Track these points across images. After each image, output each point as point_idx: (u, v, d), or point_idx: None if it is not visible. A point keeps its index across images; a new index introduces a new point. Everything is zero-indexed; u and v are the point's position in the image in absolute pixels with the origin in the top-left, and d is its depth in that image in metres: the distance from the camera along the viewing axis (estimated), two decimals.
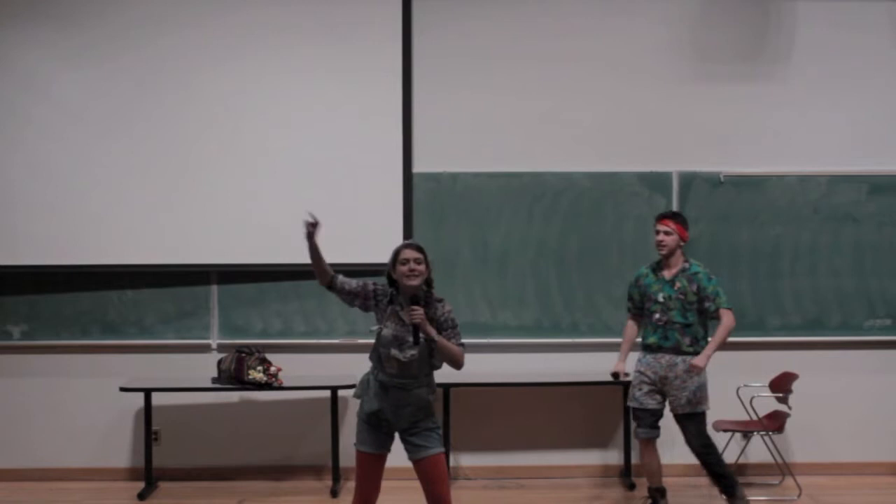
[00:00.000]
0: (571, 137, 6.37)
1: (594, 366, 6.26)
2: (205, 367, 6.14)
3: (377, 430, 4.09)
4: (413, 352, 4.03)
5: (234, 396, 6.29)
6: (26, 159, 6.21)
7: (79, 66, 6.22)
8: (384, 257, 6.22)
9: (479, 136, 6.35)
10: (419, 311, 3.98)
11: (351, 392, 6.12)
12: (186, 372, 6.21)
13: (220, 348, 6.27)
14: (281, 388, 5.92)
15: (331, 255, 6.20)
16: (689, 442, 5.24)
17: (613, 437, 6.38)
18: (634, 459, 6.24)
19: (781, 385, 5.93)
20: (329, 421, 6.07)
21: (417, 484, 6.14)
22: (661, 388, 5.23)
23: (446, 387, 6.10)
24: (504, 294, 6.34)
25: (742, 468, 6.20)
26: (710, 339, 5.19)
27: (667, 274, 5.29)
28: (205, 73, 6.25)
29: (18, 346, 6.28)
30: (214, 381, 5.99)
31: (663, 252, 5.28)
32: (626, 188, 6.35)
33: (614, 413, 6.34)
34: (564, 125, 6.37)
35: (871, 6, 6.41)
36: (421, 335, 4.01)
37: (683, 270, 5.26)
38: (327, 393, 6.03)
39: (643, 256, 6.30)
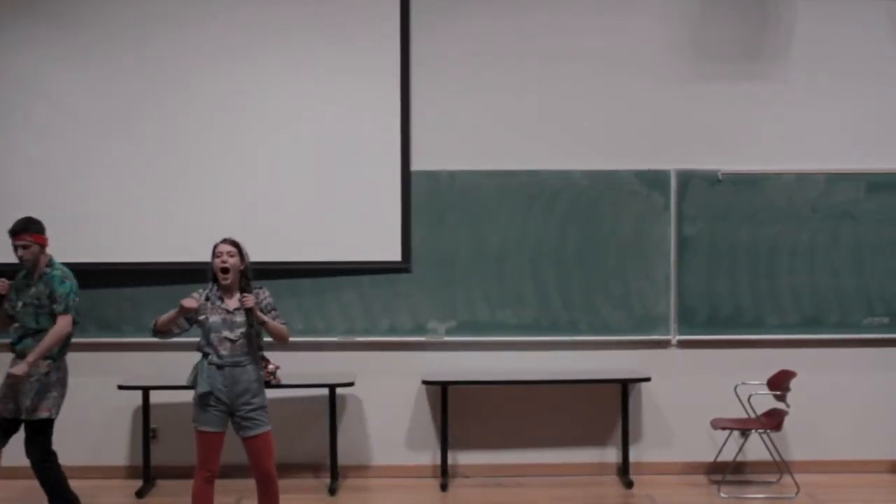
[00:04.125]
0: (570, 136, 6.38)
1: (592, 364, 6.28)
2: None
3: (209, 411, 4.52)
4: (241, 330, 4.54)
5: None
6: (26, 159, 6.24)
7: (79, 66, 6.24)
8: (383, 255, 6.34)
9: (477, 134, 6.36)
10: (250, 297, 4.51)
11: (349, 390, 6.19)
12: (185, 370, 6.17)
13: None
14: (279, 385, 5.92)
15: (329, 254, 6.32)
16: (27, 451, 5.04)
17: (611, 435, 6.38)
18: (633, 458, 6.26)
19: (779, 383, 5.93)
20: (327, 419, 6.09)
21: (416, 483, 6.22)
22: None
23: (444, 385, 6.12)
24: (502, 292, 6.34)
25: (740, 466, 6.21)
26: None
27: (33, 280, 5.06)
28: (205, 73, 6.27)
29: None
30: None
31: (27, 266, 5.04)
32: (625, 186, 6.36)
33: (612, 411, 6.34)
34: (563, 123, 6.37)
35: (870, 5, 6.41)
36: (254, 320, 4.50)
37: (42, 276, 5.04)
38: (325, 391, 6.05)
39: (641, 254, 6.34)
